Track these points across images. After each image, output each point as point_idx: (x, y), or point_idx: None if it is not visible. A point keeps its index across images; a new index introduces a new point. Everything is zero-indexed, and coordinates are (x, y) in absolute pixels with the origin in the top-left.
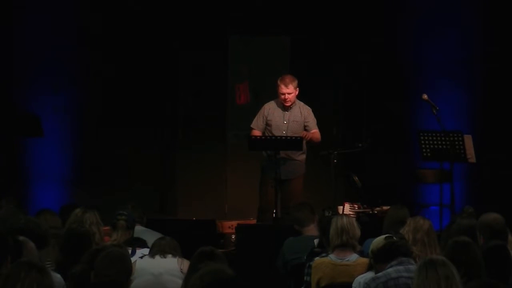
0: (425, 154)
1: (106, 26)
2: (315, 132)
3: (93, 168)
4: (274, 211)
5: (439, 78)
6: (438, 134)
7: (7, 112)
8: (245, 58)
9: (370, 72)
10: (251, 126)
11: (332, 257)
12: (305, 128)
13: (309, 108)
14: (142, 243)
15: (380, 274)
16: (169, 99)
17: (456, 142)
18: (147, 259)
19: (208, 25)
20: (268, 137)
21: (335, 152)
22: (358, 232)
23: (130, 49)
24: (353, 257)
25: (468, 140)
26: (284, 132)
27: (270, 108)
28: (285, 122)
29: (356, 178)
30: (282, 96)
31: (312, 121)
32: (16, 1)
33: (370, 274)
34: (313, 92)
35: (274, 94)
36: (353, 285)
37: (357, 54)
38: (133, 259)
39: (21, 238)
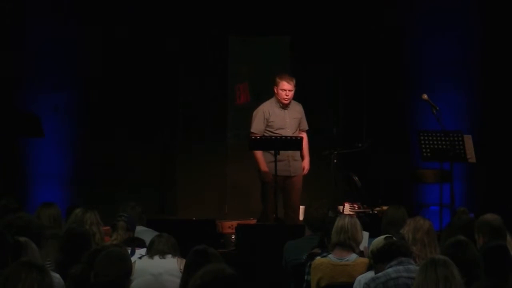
0: (425, 154)
1: (106, 26)
2: (305, 147)
3: (93, 168)
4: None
5: (439, 78)
6: (438, 134)
7: (7, 112)
8: (245, 58)
9: (370, 72)
10: (252, 131)
11: (331, 257)
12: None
13: (300, 104)
14: (141, 243)
15: (379, 274)
16: (169, 99)
17: (456, 142)
18: (146, 259)
19: (208, 25)
20: (268, 137)
21: (335, 152)
22: (359, 235)
23: (130, 49)
24: (352, 257)
25: (468, 140)
26: (288, 131)
27: (268, 110)
28: (287, 120)
29: (356, 178)
30: (283, 93)
31: (304, 118)
32: (15, 1)
33: (371, 274)
34: (313, 92)
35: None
36: (354, 284)
37: (357, 54)
38: (132, 259)
39: (22, 239)
